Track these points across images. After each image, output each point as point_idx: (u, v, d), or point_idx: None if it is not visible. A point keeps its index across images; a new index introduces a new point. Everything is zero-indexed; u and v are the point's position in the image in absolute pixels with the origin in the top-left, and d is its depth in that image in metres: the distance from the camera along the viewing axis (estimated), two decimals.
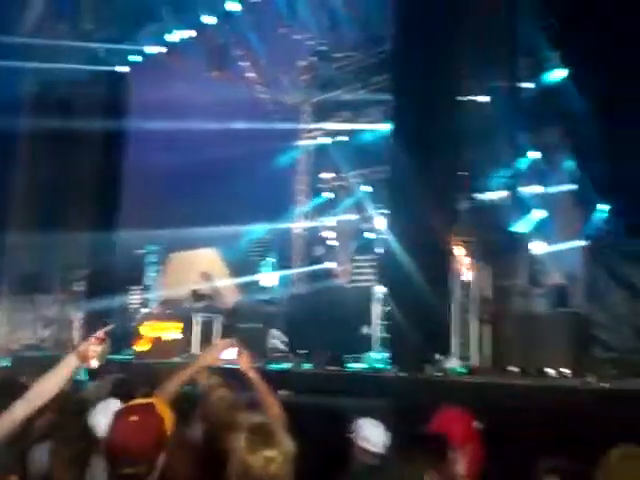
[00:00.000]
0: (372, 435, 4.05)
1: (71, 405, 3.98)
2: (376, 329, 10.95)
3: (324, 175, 17.16)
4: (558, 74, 10.36)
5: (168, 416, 2.61)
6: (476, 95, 10.36)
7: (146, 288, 16.18)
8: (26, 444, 3.54)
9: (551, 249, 10.89)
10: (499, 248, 9.96)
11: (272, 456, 2.55)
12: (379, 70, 14.39)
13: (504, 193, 11.07)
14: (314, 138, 17.27)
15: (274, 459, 2.55)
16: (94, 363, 3.13)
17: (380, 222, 13.75)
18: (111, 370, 5.41)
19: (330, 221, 16.76)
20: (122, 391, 4.77)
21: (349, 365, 10.17)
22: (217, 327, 12.80)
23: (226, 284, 15.23)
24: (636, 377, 7.12)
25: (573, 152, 10.01)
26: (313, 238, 16.82)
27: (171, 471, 2.64)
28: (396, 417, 6.90)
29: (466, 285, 9.58)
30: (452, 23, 9.99)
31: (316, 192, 17.28)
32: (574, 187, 9.56)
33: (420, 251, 9.56)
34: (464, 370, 8.76)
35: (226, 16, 14.98)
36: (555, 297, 9.73)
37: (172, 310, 13.78)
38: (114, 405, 3.61)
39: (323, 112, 17.08)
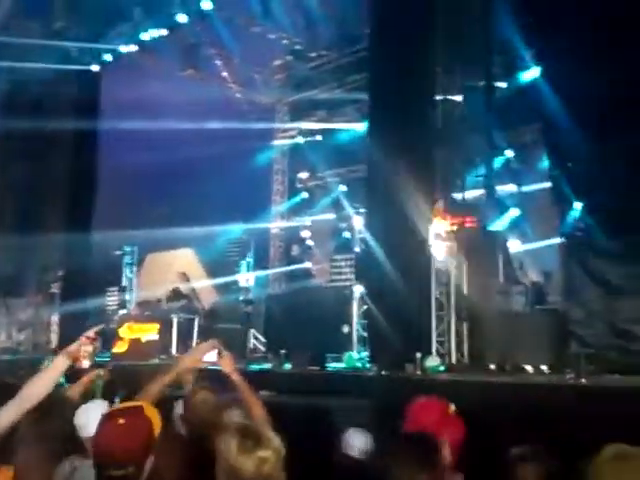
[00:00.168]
0: (358, 444, 4.08)
1: (48, 404, 3.96)
2: (355, 328, 10.99)
3: (300, 175, 17.16)
4: (533, 73, 10.45)
5: (156, 419, 2.63)
6: (452, 94, 10.41)
7: (123, 289, 16.07)
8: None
9: (528, 247, 11.04)
10: (476, 246, 10.02)
11: (265, 456, 2.55)
12: (355, 69, 14.39)
13: (480, 191, 11.15)
14: (290, 137, 17.25)
15: (268, 459, 2.55)
16: (85, 363, 3.14)
17: (358, 221, 13.80)
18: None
19: (307, 220, 16.78)
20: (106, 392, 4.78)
21: (329, 365, 10.19)
22: (196, 328, 12.76)
23: (203, 285, 15.19)
24: (612, 373, 7.23)
25: (548, 150, 10.09)
26: (290, 238, 16.83)
27: (159, 473, 2.65)
28: (377, 416, 6.98)
29: (444, 283, 9.63)
30: (427, 22, 10.03)
31: (293, 191, 17.29)
32: (549, 185, 9.64)
33: (398, 250, 9.62)
34: (443, 368, 8.83)
35: (199, 15, 14.87)
36: (532, 294, 9.84)
37: (150, 311, 13.70)
38: (101, 406, 3.61)
39: (299, 111, 17.08)
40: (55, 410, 3.79)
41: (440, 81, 10.27)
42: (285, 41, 15.99)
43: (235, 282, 14.71)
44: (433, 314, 9.40)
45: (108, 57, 15.89)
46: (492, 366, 8.68)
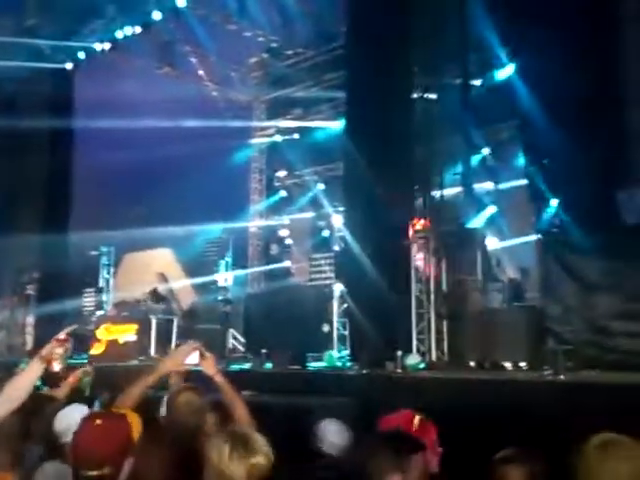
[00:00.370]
0: (331, 437, 4.06)
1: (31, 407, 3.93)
2: (336, 327, 11.02)
3: (278, 173, 17.13)
4: (508, 70, 10.52)
5: (136, 422, 2.67)
6: (428, 92, 10.45)
7: (100, 290, 15.94)
8: None
9: (505, 244, 11.12)
10: (455, 244, 10.08)
11: (257, 462, 2.56)
12: (331, 67, 14.38)
13: (458, 189, 11.22)
14: (268, 136, 17.20)
15: (259, 465, 2.56)
16: (56, 366, 3.12)
17: (337, 219, 13.81)
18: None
19: (285, 219, 16.76)
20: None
21: (310, 364, 10.20)
22: (174, 329, 12.69)
23: (182, 285, 15.11)
24: (589, 369, 7.31)
25: (523, 147, 10.17)
26: (269, 237, 16.80)
27: (139, 475, 2.65)
28: (358, 414, 7.00)
29: (424, 281, 9.68)
30: (404, 20, 10.07)
31: (271, 190, 17.24)
32: (525, 182, 9.71)
33: (377, 248, 9.65)
34: (423, 366, 8.87)
35: (174, 12, 14.75)
36: (510, 291, 9.93)
37: (128, 312, 13.60)
38: (81, 411, 3.59)
39: (275, 109, 17.03)
40: (38, 412, 3.78)
41: (417, 79, 10.31)
42: (261, 39, 15.92)
43: (214, 282, 14.66)
44: (413, 312, 9.45)
45: (82, 55, 15.73)
46: (472, 363, 8.74)
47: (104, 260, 16.19)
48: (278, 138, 16.93)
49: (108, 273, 16.18)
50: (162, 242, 15.91)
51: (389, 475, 2.72)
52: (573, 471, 2.51)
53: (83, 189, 15.39)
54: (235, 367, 10.34)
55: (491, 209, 11.67)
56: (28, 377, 3.03)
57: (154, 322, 12.61)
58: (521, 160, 10.50)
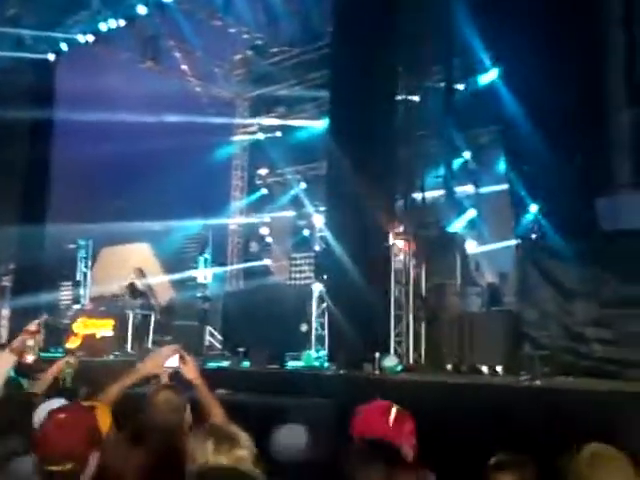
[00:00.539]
0: (285, 441, 4.04)
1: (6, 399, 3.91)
2: (314, 327, 11.02)
3: (260, 171, 17.10)
4: (491, 75, 10.59)
5: (104, 417, 2.65)
6: (412, 94, 10.48)
7: (77, 284, 15.80)
8: None
9: (484, 248, 11.18)
10: (435, 247, 10.12)
11: (242, 455, 2.56)
12: (315, 66, 14.38)
13: (440, 192, 11.27)
14: (250, 133, 17.16)
15: (244, 458, 2.56)
16: (29, 357, 3.10)
17: (318, 219, 13.81)
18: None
19: (266, 217, 16.74)
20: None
21: (288, 363, 10.19)
22: (152, 324, 12.63)
23: (160, 280, 15.03)
24: (565, 375, 7.37)
25: (504, 153, 10.25)
26: (249, 234, 16.76)
27: (107, 472, 2.64)
28: (335, 415, 7.01)
29: (403, 283, 9.70)
30: (390, 21, 10.08)
31: (252, 188, 17.20)
32: (506, 187, 9.78)
33: (358, 249, 9.66)
34: (400, 368, 8.89)
35: (159, 7, 14.67)
36: (488, 296, 10.00)
37: (104, 307, 13.51)
38: (60, 403, 3.57)
39: (258, 107, 17.00)
40: (14, 404, 3.74)
41: (401, 81, 10.33)
42: (246, 36, 15.91)
43: (192, 278, 14.61)
44: (392, 314, 9.47)
45: (64, 46, 15.55)
46: (449, 367, 8.78)
47: (82, 253, 16.05)
48: (260, 136, 16.90)
49: (86, 267, 16.04)
50: (141, 237, 15.83)
51: None
52: None
53: (62, 181, 15.23)
54: (212, 365, 10.31)
55: (471, 213, 11.74)
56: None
57: (131, 317, 12.53)
58: (502, 165, 10.58)
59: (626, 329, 7.28)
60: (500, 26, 9.47)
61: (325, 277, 10.91)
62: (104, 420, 2.61)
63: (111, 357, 11.86)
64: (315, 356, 10.41)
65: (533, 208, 8.95)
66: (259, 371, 9.67)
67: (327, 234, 10.63)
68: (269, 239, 16.45)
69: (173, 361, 3.49)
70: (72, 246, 16.04)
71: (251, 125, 17.10)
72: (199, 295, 13.65)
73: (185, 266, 15.16)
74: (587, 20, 8.69)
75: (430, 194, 10.79)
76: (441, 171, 11.40)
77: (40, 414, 3.61)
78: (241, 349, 10.45)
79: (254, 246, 15.69)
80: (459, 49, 11.11)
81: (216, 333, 13.12)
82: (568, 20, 8.62)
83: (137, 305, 12.79)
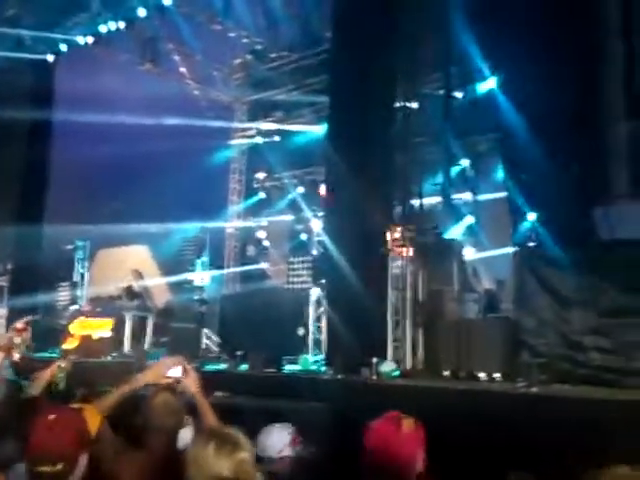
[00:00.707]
0: (268, 442, 4.06)
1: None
2: (311, 331, 11.05)
3: (258, 175, 17.13)
4: (489, 83, 10.65)
5: (94, 419, 2.69)
6: (411, 101, 10.53)
7: (74, 285, 15.80)
8: None
9: (482, 255, 11.24)
10: (433, 253, 10.16)
11: (244, 457, 2.60)
12: (313, 71, 14.45)
13: (438, 199, 11.32)
14: (249, 137, 17.20)
15: (246, 460, 2.61)
16: (16, 355, 3.12)
17: (315, 224, 13.85)
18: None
19: (263, 221, 16.77)
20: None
21: (285, 367, 10.22)
22: (149, 326, 12.64)
23: (157, 282, 15.03)
24: (562, 383, 7.41)
25: (502, 161, 10.30)
26: (246, 238, 16.79)
27: (98, 473, 2.67)
28: (332, 419, 7.06)
29: (401, 288, 9.73)
30: (389, 28, 10.12)
31: (250, 191, 17.23)
32: (504, 194, 9.83)
33: (355, 254, 9.68)
34: (398, 373, 8.93)
35: (159, 9, 14.70)
36: (486, 302, 10.04)
37: (102, 308, 13.51)
38: None
39: (257, 111, 17.05)
40: (12, 408, 3.77)
41: (399, 88, 10.37)
42: (246, 40, 15.93)
43: (189, 281, 14.63)
44: (389, 319, 9.50)
45: (64, 47, 15.56)
46: (446, 373, 8.80)
47: (79, 254, 16.05)
48: (259, 140, 16.93)
49: (83, 268, 16.04)
50: (138, 239, 15.84)
51: None
52: None
53: (60, 182, 15.24)
54: (210, 368, 10.33)
55: (469, 219, 11.80)
56: None
57: (128, 319, 12.54)
58: (500, 173, 10.63)
59: (624, 338, 7.31)
60: (498, 35, 9.51)
61: (322, 281, 10.94)
62: (93, 422, 2.66)
63: (108, 358, 11.86)
64: (312, 360, 10.43)
65: (531, 216, 8.99)
66: (256, 374, 9.69)
67: (325, 238, 10.66)
68: (266, 243, 16.48)
69: (176, 372, 3.50)
70: (70, 247, 16.03)
71: (249, 129, 17.14)
72: (196, 298, 13.66)
73: (182, 269, 15.17)
74: (585, 30, 8.75)
75: (428, 200, 10.84)
76: (439, 178, 11.46)
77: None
78: (239, 352, 10.47)
79: (251, 250, 15.71)
80: (458, 57, 11.16)
81: (213, 336, 13.14)
82: (566, 30, 8.67)
83: (134, 307, 12.79)
